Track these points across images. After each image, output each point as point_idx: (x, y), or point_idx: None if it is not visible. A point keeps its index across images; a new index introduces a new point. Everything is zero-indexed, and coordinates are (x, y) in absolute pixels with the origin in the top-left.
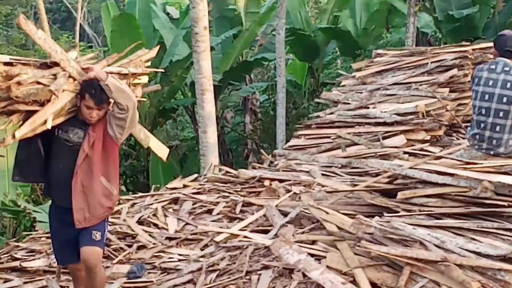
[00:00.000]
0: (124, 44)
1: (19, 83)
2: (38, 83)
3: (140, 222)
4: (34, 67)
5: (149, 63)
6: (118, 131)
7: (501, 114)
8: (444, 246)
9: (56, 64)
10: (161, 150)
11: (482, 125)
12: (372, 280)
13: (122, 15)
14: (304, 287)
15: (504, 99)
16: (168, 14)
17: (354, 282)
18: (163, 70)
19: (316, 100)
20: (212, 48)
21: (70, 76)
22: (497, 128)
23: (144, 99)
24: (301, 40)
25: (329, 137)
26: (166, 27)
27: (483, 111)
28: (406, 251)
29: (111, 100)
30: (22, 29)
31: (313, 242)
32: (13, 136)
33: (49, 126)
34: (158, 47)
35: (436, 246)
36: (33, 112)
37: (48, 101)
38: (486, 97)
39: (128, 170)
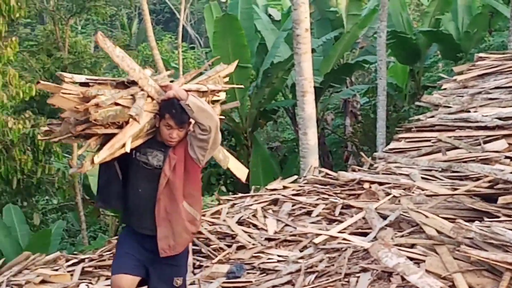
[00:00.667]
0: (226, 45)
1: (97, 105)
2: (117, 104)
3: (239, 222)
4: (111, 86)
5: (227, 79)
6: (200, 152)
7: None
8: None
9: (133, 82)
10: (241, 171)
11: None
12: (471, 285)
13: (225, 17)
14: None
15: None
16: (270, 15)
17: (453, 287)
18: (242, 87)
19: (417, 103)
20: (313, 50)
21: (148, 96)
22: None
23: (223, 117)
24: (403, 42)
25: (429, 141)
26: (267, 28)
27: None
28: (507, 256)
29: (192, 120)
30: (100, 46)
31: (412, 245)
32: (92, 161)
33: (127, 149)
34: (236, 62)
35: None
36: (111, 135)
37: (127, 123)
38: None
39: (229, 171)
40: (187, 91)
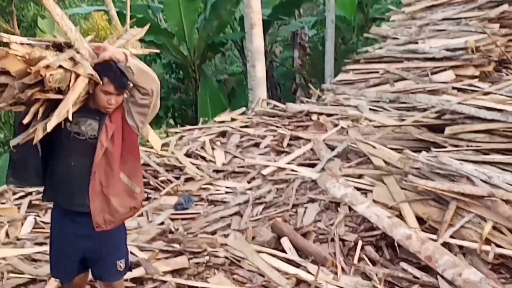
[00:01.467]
0: None
1: (47, 67)
2: (60, 67)
3: (188, 154)
4: (49, 48)
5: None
6: (140, 119)
7: None
8: (491, 182)
9: (68, 45)
10: (157, 142)
11: None
12: (418, 214)
13: None
14: (350, 221)
15: None
16: None
17: (400, 216)
18: (157, 51)
19: (365, 35)
20: None
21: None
22: None
23: None
24: None
25: (377, 72)
26: None
27: None
28: (453, 186)
29: (130, 84)
30: (41, 3)
31: (360, 176)
32: (45, 129)
33: (70, 116)
34: (148, 25)
35: (483, 181)
36: (52, 101)
37: (67, 88)
38: None
39: (177, 103)
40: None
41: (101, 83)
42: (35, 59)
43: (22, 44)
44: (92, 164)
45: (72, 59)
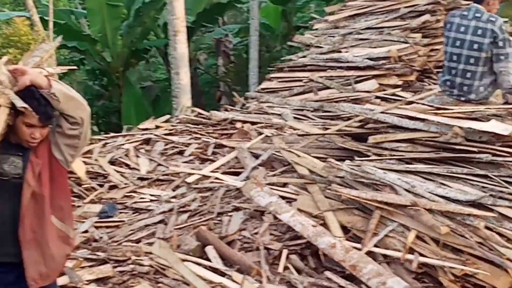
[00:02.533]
0: None
1: None
2: None
3: (112, 162)
4: None
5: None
6: (69, 152)
7: (471, 60)
8: (414, 191)
9: None
10: (81, 168)
11: (453, 71)
12: (342, 223)
13: None
14: (275, 229)
15: (475, 46)
16: None
17: (324, 225)
18: (76, 67)
19: (289, 43)
20: None
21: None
22: (468, 75)
23: None
24: None
25: (301, 81)
26: None
27: (454, 57)
28: (377, 195)
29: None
30: None
31: (284, 184)
32: None
33: None
34: (60, 37)
35: (406, 190)
36: None
37: None
38: (458, 43)
39: (100, 110)
40: (48, 76)
41: (28, 114)
42: None
43: None
44: (18, 208)
45: None
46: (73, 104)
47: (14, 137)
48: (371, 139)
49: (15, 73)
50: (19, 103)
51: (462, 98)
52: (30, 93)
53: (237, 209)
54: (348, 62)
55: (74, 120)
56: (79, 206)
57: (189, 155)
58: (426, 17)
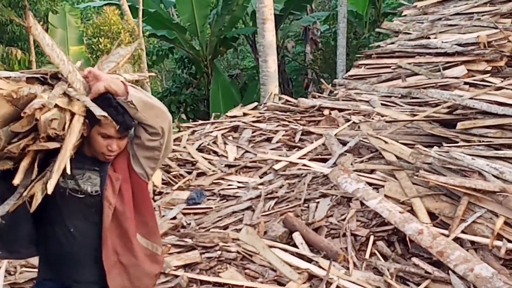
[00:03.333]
0: None
1: (41, 108)
2: (55, 106)
3: (200, 149)
4: (37, 83)
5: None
6: (149, 165)
7: None
8: (503, 177)
9: (56, 76)
10: (157, 177)
11: None
12: (429, 209)
13: None
14: (362, 216)
15: None
16: None
17: (411, 211)
18: (153, 74)
19: (377, 30)
20: None
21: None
22: None
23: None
24: None
25: (389, 67)
26: None
27: None
28: (465, 181)
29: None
30: (30, 33)
31: (372, 171)
32: (44, 190)
33: (68, 170)
34: (136, 42)
35: (495, 176)
36: (44, 151)
37: (63, 132)
38: None
39: (189, 98)
40: (124, 81)
41: (106, 123)
42: (24, 98)
43: (6, 78)
44: (100, 229)
45: (65, 94)
46: (153, 112)
47: (89, 150)
48: (460, 125)
49: (88, 78)
50: (98, 111)
51: None
52: (106, 100)
53: (324, 195)
54: (436, 48)
55: (154, 130)
56: (167, 193)
57: (277, 142)
58: None
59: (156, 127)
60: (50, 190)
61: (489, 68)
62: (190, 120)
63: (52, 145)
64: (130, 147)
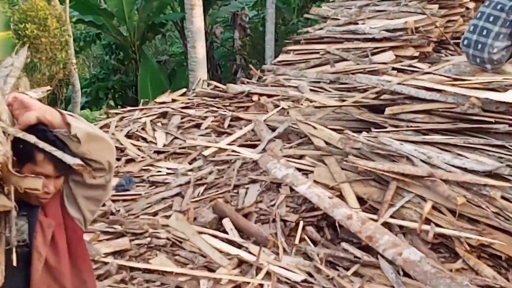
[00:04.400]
0: None
1: None
2: None
3: (128, 136)
4: None
5: None
6: (90, 208)
7: (491, 19)
8: (431, 162)
9: None
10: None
11: (472, 28)
12: (358, 194)
13: None
14: (291, 201)
15: (499, 6)
16: None
17: (341, 196)
18: (50, 88)
19: (306, 15)
20: None
21: None
22: (484, 32)
23: None
24: None
25: (318, 53)
26: None
27: (478, 15)
28: (393, 166)
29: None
30: None
31: (301, 156)
32: None
33: None
34: (26, 48)
35: (423, 161)
36: None
37: None
38: (487, 3)
39: (117, 84)
40: (59, 110)
41: (41, 161)
42: None
43: None
44: (29, 284)
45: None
46: (98, 145)
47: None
48: (388, 111)
49: (13, 107)
50: (42, 145)
51: (477, 59)
52: (40, 133)
53: (253, 181)
54: (364, 34)
55: (99, 166)
56: None
57: (206, 128)
58: None
59: (102, 161)
60: None
61: (416, 54)
62: (119, 106)
63: None
64: (65, 187)
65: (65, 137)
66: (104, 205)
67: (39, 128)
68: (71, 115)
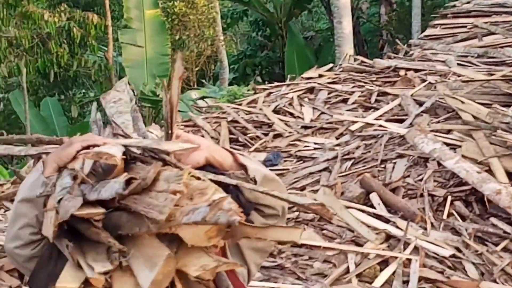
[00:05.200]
0: None
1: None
2: None
3: (276, 111)
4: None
5: None
6: (256, 261)
7: None
8: None
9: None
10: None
11: None
12: (507, 169)
13: None
14: (439, 176)
15: None
16: None
17: (489, 171)
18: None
19: None
20: None
21: None
22: None
23: None
24: None
25: (465, 27)
26: None
27: None
28: None
29: None
30: None
31: (449, 131)
32: None
33: None
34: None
35: None
36: None
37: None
38: None
39: (264, 61)
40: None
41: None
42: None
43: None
44: None
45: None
46: (273, 185)
47: None
48: None
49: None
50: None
51: None
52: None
53: (401, 156)
54: None
55: (273, 212)
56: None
57: (353, 103)
58: None
59: (276, 207)
60: None
61: None
62: (266, 82)
63: None
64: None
65: (240, 180)
66: None
67: (208, 171)
68: (241, 154)
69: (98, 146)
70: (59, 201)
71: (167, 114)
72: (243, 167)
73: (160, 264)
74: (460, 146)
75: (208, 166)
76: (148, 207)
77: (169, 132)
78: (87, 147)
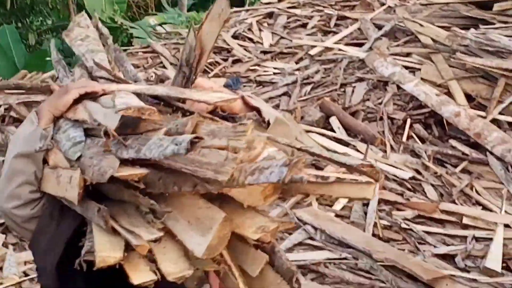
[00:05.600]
0: None
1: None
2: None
3: (235, 36)
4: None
5: None
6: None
7: None
8: None
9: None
10: None
11: None
12: (466, 91)
13: None
14: (398, 99)
15: None
16: None
17: (448, 93)
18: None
19: None
20: None
21: None
22: None
23: None
24: None
25: None
26: None
27: None
28: (502, 62)
29: None
30: None
31: (408, 54)
32: None
33: None
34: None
35: None
36: None
37: None
38: None
39: None
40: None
41: None
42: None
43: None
44: None
45: None
46: (283, 132)
47: None
48: (497, 7)
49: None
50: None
51: None
52: None
53: (360, 79)
54: None
55: None
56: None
57: (312, 28)
58: None
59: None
60: None
61: None
62: None
63: None
64: None
65: (255, 122)
66: None
67: (217, 115)
68: (250, 96)
69: (96, 92)
70: (78, 159)
71: (193, 59)
72: (255, 109)
73: (215, 227)
74: (419, 69)
75: (216, 111)
76: (198, 165)
77: (191, 77)
78: (85, 95)
